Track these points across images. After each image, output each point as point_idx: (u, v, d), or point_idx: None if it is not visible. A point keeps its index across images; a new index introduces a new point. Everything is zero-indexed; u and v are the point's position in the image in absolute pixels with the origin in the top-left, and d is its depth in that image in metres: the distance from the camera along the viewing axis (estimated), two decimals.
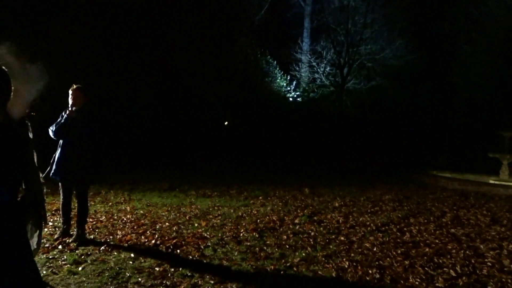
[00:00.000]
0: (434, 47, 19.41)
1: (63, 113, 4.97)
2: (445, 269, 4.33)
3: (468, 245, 5.24)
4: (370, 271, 4.21)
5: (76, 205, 5.21)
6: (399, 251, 4.90)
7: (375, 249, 4.98)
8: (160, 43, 14.75)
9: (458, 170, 12.15)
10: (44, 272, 3.95)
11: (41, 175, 3.47)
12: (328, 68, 19.75)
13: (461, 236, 5.69)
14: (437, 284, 3.93)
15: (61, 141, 4.98)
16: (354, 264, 4.43)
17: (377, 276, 4.10)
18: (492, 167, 11.59)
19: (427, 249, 5.00)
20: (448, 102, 18.18)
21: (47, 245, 4.74)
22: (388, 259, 4.63)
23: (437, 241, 5.41)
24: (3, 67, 1.08)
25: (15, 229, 0.94)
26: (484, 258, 4.72)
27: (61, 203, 5.15)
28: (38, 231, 2.63)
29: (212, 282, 3.82)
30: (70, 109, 4.91)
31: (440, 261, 4.58)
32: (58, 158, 4.93)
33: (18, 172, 1.01)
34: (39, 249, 3.44)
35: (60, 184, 5.10)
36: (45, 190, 3.54)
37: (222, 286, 3.74)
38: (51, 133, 4.93)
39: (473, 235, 5.75)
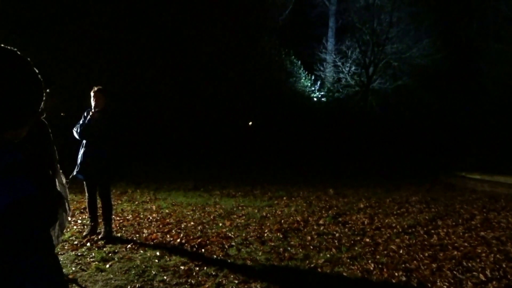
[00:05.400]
0: (462, 45, 18.91)
1: (85, 114, 5.13)
2: (474, 273, 4.22)
3: (498, 248, 5.09)
4: (396, 274, 4.14)
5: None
6: (426, 254, 4.80)
7: (401, 252, 4.90)
8: (184, 43, 14.90)
9: (487, 172, 11.79)
10: (73, 268, 4.05)
11: (64, 177, 3.63)
12: (353, 68, 19.52)
13: (491, 239, 5.53)
14: None
15: (84, 141, 5.13)
16: (380, 266, 4.37)
17: (404, 279, 4.03)
18: None
19: (455, 252, 4.89)
20: (476, 101, 17.71)
21: (75, 242, 4.86)
22: (414, 261, 4.54)
23: (466, 244, 5.28)
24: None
25: (35, 223, 0.95)
26: None
27: (86, 201, 5.33)
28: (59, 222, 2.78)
29: (236, 281, 3.83)
30: (93, 110, 5.07)
31: (469, 264, 4.47)
32: (81, 157, 5.08)
33: (39, 165, 1.00)
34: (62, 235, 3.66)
35: (84, 183, 5.27)
36: (67, 189, 3.67)
37: (246, 286, 3.75)
38: (75, 134, 5.08)
39: (504, 238, 5.57)
